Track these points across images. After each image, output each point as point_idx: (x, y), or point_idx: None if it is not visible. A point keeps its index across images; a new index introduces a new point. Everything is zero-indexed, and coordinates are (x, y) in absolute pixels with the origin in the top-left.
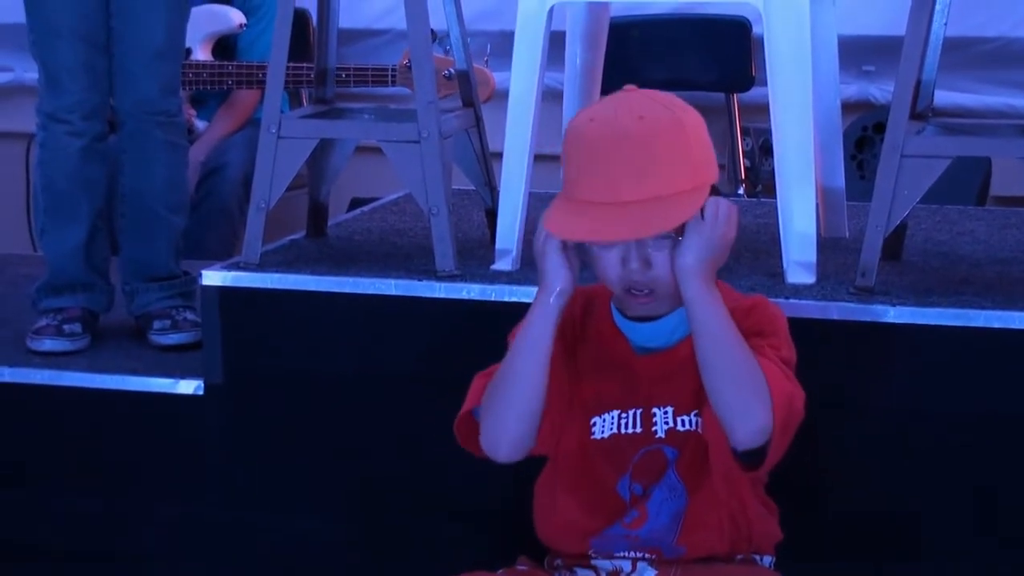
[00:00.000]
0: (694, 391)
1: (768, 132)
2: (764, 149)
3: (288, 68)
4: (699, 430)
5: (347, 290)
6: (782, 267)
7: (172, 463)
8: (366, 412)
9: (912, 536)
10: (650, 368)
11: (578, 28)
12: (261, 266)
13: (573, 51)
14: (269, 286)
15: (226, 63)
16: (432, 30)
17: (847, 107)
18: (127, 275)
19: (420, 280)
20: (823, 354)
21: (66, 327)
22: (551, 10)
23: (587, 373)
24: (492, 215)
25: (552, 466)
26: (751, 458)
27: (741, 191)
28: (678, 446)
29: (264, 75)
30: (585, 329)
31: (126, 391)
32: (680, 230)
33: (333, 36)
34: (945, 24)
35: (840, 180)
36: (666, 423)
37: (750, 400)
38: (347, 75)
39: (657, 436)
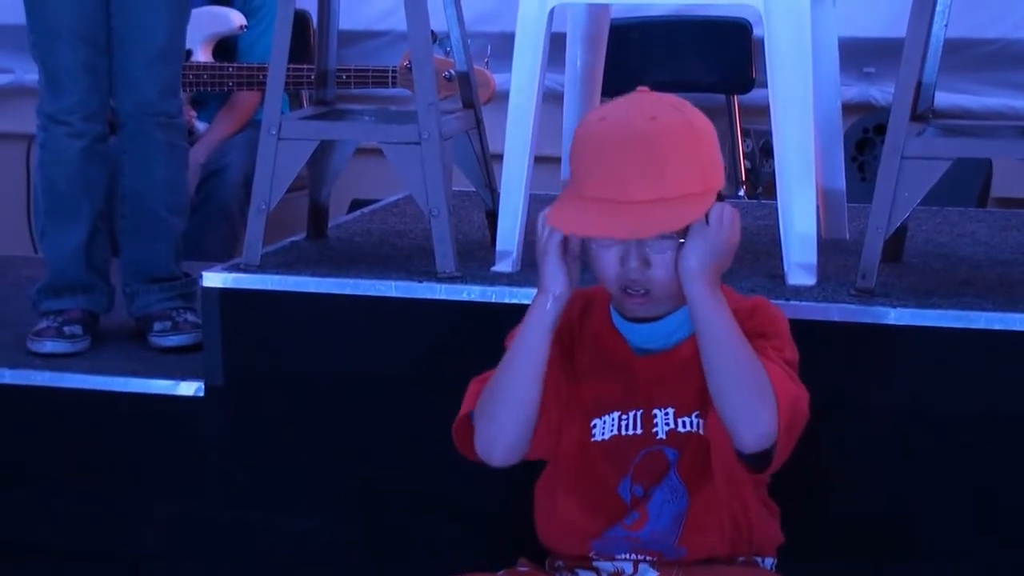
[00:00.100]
0: (695, 392)
1: (768, 134)
2: (765, 151)
3: (288, 70)
4: (700, 431)
5: (347, 291)
6: (783, 269)
7: (172, 464)
8: (366, 413)
9: (912, 537)
10: (650, 369)
11: (578, 30)
12: (262, 267)
13: (574, 53)
14: (270, 287)
15: (227, 64)
16: (432, 31)
17: (848, 109)
18: (127, 276)
19: (420, 282)
20: (824, 356)
21: (67, 329)
22: (551, 12)
23: (587, 375)
24: (492, 217)
25: (552, 468)
26: (756, 461)
27: (742, 193)
28: (679, 447)
29: (265, 76)
30: (584, 331)
31: (126, 393)
32: (683, 233)
33: (333, 38)
34: (946, 26)
35: (841, 182)
36: (667, 424)
37: (755, 404)
38: (348, 76)
39: (658, 437)
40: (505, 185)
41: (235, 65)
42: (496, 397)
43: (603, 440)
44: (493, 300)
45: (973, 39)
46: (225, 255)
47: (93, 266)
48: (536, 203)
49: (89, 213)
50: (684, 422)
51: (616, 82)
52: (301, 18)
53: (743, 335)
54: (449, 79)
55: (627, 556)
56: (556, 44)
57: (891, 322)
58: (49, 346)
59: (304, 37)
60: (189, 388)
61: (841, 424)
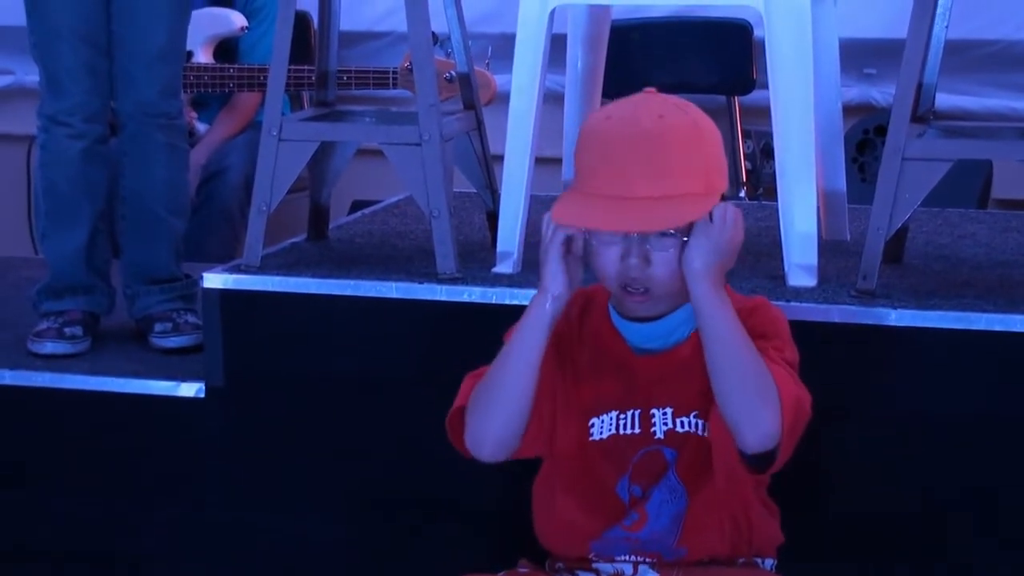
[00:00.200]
0: (694, 393)
1: (769, 135)
2: (765, 152)
3: (289, 71)
4: (699, 432)
5: (348, 293)
6: (783, 270)
7: (173, 466)
8: (367, 414)
9: (913, 538)
10: (649, 369)
11: (579, 31)
12: (262, 269)
13: (574, 54)
14: (270, 289)
15: (227, 66)
16: (433, 33)
17: (848, 110)
18: (128, 278)
19: (421, 283)
20: (824, 357)
21: (67, 330)
22: (552, 13)
23: (586, 374)
24: (493, 218)
25: (550, 468)
26: (758, 461)
27: (742, 194)
28: (677, 447)
29: (265, 78)
30: (583, 330)
31: (127, 394)
32: (686, 231)
33: (334, 39)
34: (946, 27)
35: (841, 183)
36: (665, 424)
37: (760, 405)
38: (348, 78)
39: (656, 437)
40: (506, 186)
41: (236, 66)
42: (489, 393)
43: (601, 439)
44: (494, 301)
45: (974, 40)
46: (226, 256)
47: (94, 267)
48: (537, 204)
49: (90, 214)
50: (682, 422)
51: (617, 83)
52: (302, 19)
53: (747, 336)
54: (450, 80)
55: (627, 558)
56: (557, 45)
57: (892, 323)
58: (50, 347)
59: (305, 38)
60: (190, 389)
61: (842, 425)
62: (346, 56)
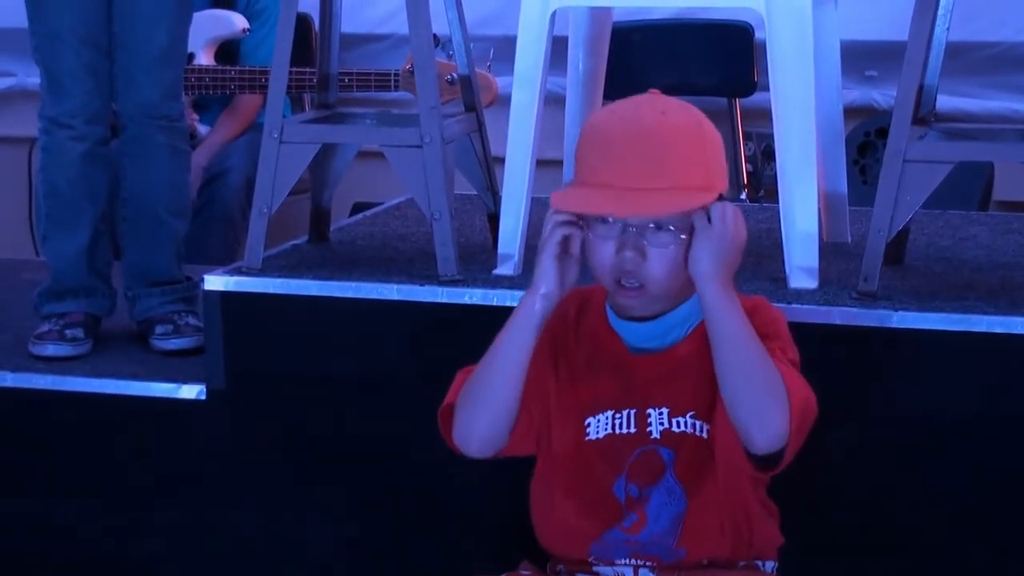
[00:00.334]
0: (691, 393)
1: (770, 137)
2: (766, 154)
3: (291, 73)
4: (696, 432)
5: (349, 295)
6: (784, 272)
7: (174, 467)
8: (368, 416)
9: (914, 539)
10: (645, 369)
11: (580, 33)
12: (263, 271)
13: (576, 56)
14: (271, 291)
15: (229, 68)
16: (435, 35)
17: (849, 112)
18: (129, 280)
19: (422, 285)
20: (825, 359)
21: (68, 332)
22: (553, 15)
23: (582, 374)
24: (494, 220)
25: (547, 469)
26: (765, 461)
27: (743, 196)
28: (674, 448)
29: (267, 80)
30: (580, 329)
31: (128, 396)
32: (684, 230)
33: (335, 41)
34: (947, 29)
35: (842, 185)
36: (661, 424)
37: (770, 406)
38: (350, 79)
39: (652, 437)
40: (507, 188)
41: (237, 68)
42: (476, 390)
43: (597, 439)
44: (495, 303)
45: (975, 42)
46: (227, 258)
47: (95, 269)
48: (538, 206)
49: (91, 216)
50: (679, 422)
51: (618, 85)
52: (303, 21)
53: (757, 337)
54: (451, 82)
55: (626, 561)
56: (558, 47)
57: (893, 325)
58: (51, 349)
59: (306, 40)
60: (191, 391)
61: (843, 427)
62: (347, 58)
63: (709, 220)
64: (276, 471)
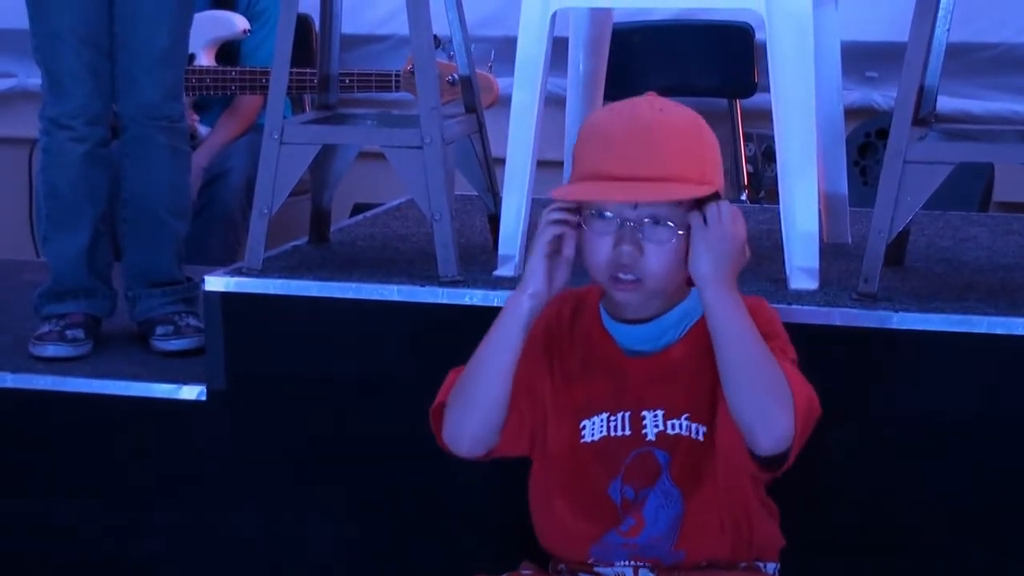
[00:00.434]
0: (685, 395)
1: (771, 138)
2: (767, 155)
3: (291, 74)
4: (691, 434)
5: (350, 296)
6: (785, 273)
7: (174, 468)
8: (368, 417)
9: (915, 539)
10: (640, 371)
11: (581, 34)
12: (264, 272)
13: (576, 57)
14: (272, 292)
15: (229, 68)
16: (435, 36)
17: (850, 113)
18: (130, 280)
19: (423, 286)
20: (826, 360)
21: (69, 333)
22: (554, 16)
23: (577, 376)
24: (495, 221)
25: (544, 470)
26: (769, 461)
27: (744, 197)
28: (669, 450)
29: (267, 80)
30: (574, 331)
31: (129, 397)
32: (681, 225)
33: (336, 42)
34: (948, 30)
35: (843, 186)
36: (656, 426)
37: (775, 407)
38: (351, 80)
39: (647, 439)
40: (507, 189)
41: (238, 69)
42: (465, 389)
43: (593, 441)
44: (495, 304)
45: (975, 43)
46: (227, 259)
47: (95, 270)
48: (538, 207)
49: (91, 217)
50: (674, 424)
51: (618, 86)
52: (303, 22)
53: (761, 338)
54: (452, 83)
55: (626, 563)
56: (558, 48)
57: (893, 326)
58: (51, 350)
59: (307, 41)
60: (191, 392)
61: (843, 428)
62: (348, 59)
63: (706, 222)
64: (276, 472)
